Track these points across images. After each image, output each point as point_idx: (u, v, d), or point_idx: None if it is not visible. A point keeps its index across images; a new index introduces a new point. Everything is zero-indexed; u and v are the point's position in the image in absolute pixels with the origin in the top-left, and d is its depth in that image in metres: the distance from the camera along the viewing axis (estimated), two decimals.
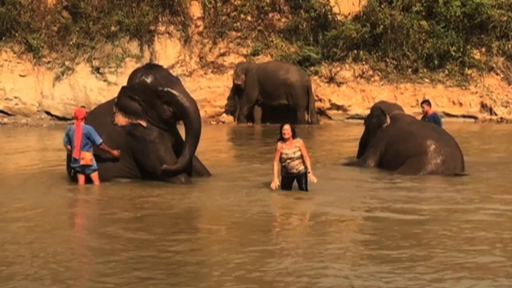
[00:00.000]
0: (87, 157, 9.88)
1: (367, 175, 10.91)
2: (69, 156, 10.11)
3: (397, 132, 11.32)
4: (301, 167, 9.19)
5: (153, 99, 10.15)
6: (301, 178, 9.25)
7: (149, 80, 10.22)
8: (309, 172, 9.15)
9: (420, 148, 10.85)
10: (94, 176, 9.98)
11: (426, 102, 13.03)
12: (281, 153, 9.18)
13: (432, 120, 12.35)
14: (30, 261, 6.13)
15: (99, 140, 9.86)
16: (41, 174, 11.27)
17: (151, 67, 10.82)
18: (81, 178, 9.99)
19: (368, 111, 13.27)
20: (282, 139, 9.19)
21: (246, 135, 18.80)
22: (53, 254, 6.33)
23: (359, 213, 8.27)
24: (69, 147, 9.99)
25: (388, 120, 11.49)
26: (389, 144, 11.33)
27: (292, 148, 9.17)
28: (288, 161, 9.18)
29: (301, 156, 9.15)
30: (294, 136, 9.22)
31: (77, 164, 9.91)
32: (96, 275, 5.80)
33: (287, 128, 9.16)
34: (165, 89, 10.14)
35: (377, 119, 11.75)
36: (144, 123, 10.16)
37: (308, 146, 12.43)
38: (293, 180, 9.34)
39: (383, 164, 11.30)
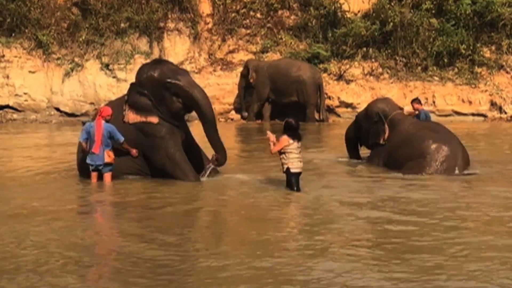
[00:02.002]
0: (111, 155, 9.90)
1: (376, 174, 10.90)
2: (84, 152, 10.06)
3: (396, 137, 11.16)
4: (284, 166, 9.22)
5: (162, 92, 10.14)
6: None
7: (156, 73, 10.21)
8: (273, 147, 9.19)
9: (418, 151, 10.69)
10: (108, 175, 9.96)
11: (415, 100, 13.09)
12: None
13: (417, 117, 12.35)
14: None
15: (121, 138, 9.87)
16: (54, 171, 11.27)
17: (158, 62, 10.85)
18: (95, 175, 9.98)
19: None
20: None
21: (254, 132, 18.79)
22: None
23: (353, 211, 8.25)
24: (85, 144, 9.95)
25: (386, 135, 11.28)
26: (390, 151, 11.17)
27: None
28: None
29: (283, 155, 9.16)
30: (284, 132, 9.25)
31: (98, 161, 9.87)
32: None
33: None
34: (173, 81, 10.14)
35: (376, 125, 11.46)
36: (155, 120, 10.15)
37: (316, 145, 12.33)
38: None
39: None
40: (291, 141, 9.13)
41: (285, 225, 7.69)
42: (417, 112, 12.71)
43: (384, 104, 11.86)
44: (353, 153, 12.23)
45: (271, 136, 9.23)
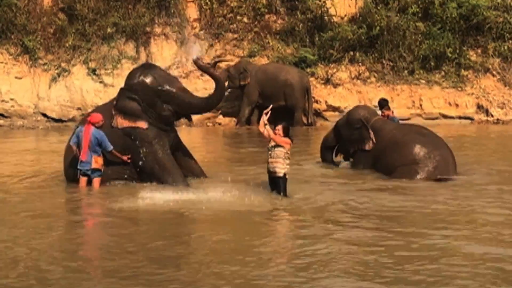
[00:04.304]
0: (99, 161, 9.85)
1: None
2: (74, 157, 10.01)
3: (381, 142, 11.08)
4: (278, 170, 9.06)
5: (153, 99, 10.15)
6: (277, 182, 9.13)
7: (148, 80, 10.22)
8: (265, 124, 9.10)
9: (409, 157, 10.61)
10: (97, 180, 9.91)
11: (385, 106, 12.97)
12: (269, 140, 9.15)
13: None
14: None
15: (110, 146, 9.83)
16: (42, 176, 11.20)
17: (148, 67, 10.82)
18: (84, 180, 9.91)
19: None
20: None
21: (242, 137, 18.77)
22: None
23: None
24: (75, 148, 9.88)
25: (372, 143, 11.17)
26: (375, 157, 11.08)
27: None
28: (269, 155, 9.11)
29: (284, 157, 9.06)
30: (285, 137, 9.16)
31: (86, 167, 9.82)
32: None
33: (278, 128, 9.09)
34: (165, 88, 10.17)
35: (359, 132, 11.36)
36: (144, 125, 10.12)
37: (304, 149, 12.34)
38: (272, 181, 9.23)
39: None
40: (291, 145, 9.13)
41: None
42: (388, 117, 12.50)
43: (366, 111, 11.79)
44: (328, 159, 12.10)
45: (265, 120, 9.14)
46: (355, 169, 11.40)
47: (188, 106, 10.34)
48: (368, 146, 11.24)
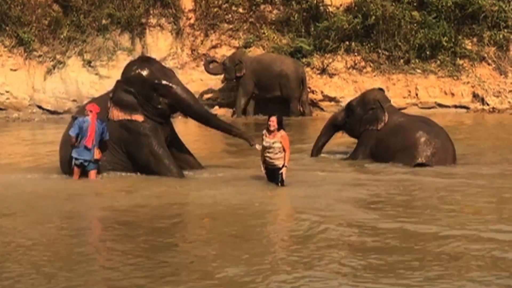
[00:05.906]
0: (100, 152, 9.90)
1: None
2: (72, 147, 9.98)
3: (387, 127, 11.24)
4: (278, 162, 9.14)
5: (149, 92, 10.19)
6: (276, 173, 9.20)
7: (145, 73, 10.26)
8: (285, 167, 9.12)
9: (410, 141, 10.82)
10: (93, 172, 9.92)
11: None
12: (263, 141, 9.23)
13: None
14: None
15: (107, 137, 9.96)
16: (38, 168, 11.20)
17: (145, 60, 10.91)
18: (78, 171, 9.90)
19: None
20: (268, 129, 9.24)
21: (241, 128, 18.73)
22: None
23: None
24: (75, 139, 9.83)
25: (386, 119, 11.35)
26: (379, 140, 11.25)
27: (273, 138, 9.17)
28: (267, 151, 9.18)
29: (281, 150, 9.10)
30: (280, 128, 9.19)
31: (85, 157, 9.80)
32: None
33: (273, 119, 9.19)
34: (162, 82, 10.19)
35: (373, 112, 11.49)
36: (140, 118, 10.15)
37: (300, 138, 12.39)
38: (272, 172, 9.28)
39: (373, 159, 11.24)
40: None
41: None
42: None
43: (382, 94, 11.99)
44: (320, 145, 12.21)
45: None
46: (356, 152, 11.54)
47: (188, 106, 10.45)
48: (379, 126, 11.32)
